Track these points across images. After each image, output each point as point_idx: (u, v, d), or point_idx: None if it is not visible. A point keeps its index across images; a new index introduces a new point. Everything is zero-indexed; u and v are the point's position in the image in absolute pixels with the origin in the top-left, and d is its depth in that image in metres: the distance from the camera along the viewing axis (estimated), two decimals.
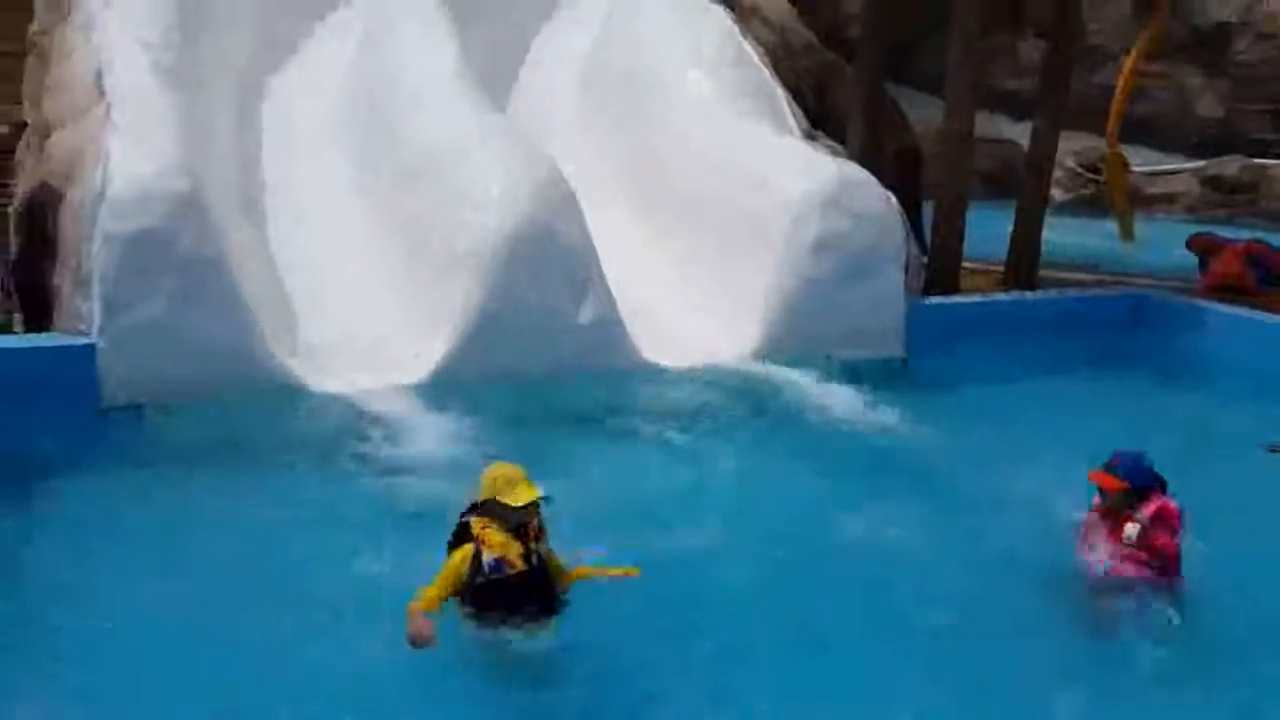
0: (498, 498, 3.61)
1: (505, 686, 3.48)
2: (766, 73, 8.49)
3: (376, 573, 4.06)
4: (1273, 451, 5.96)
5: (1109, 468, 4.04)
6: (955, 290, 8.14)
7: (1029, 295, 8.24)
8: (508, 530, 3.58)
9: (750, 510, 4.96)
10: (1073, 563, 4.16)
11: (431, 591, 3.55)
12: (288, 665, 3.57)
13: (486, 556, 3.53)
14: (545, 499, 3.64)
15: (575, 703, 3.46)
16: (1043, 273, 8.77)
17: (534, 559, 3.60)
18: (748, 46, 8.68)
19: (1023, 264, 8.68)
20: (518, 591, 3.55)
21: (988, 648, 3.81)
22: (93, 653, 3.65)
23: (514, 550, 3.55)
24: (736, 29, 8.80)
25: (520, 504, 3.58)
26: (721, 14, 8.94)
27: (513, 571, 3.54)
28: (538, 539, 3.62)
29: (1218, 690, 3.61)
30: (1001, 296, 8.21)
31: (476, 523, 3.61)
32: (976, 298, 8.05)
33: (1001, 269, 8.85)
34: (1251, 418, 6.37)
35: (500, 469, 3.70)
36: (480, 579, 3.52)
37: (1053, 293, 8.33)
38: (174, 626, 3.76)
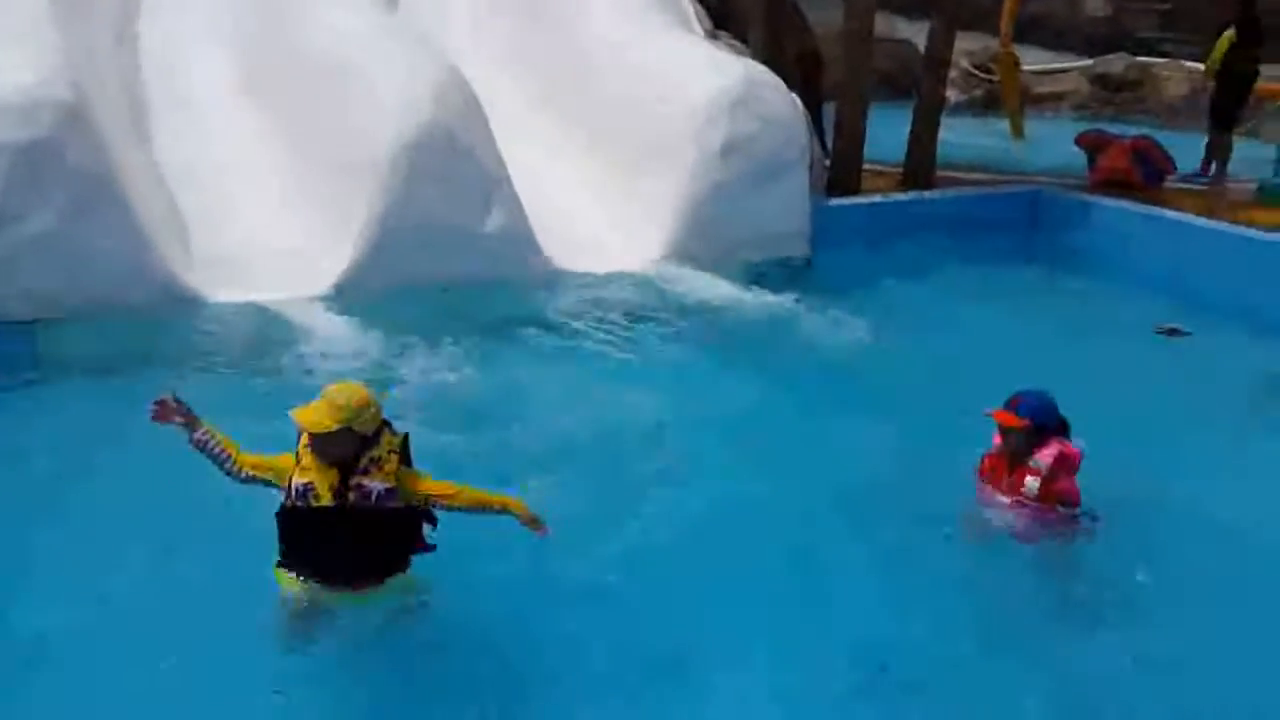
0: None
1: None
2: None
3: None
4: (1159, 333, 6.32)
5: (1010, 406, 3.81)
6: (856, 192, 8.27)
7: (928, 195, 8.41)
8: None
9: (651, 414, 5.00)
10: (972, 498, 4.04)
11: (251, 457, 3.20)
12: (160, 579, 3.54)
13: (296, 478, 3.10)
14: (387, 431, 3.13)
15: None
16: (940, 173, 8.95)
17: (350, 497, 3.09)
18: None
19: (921, 165, 8.84)
20: (322, 531, 3.10)
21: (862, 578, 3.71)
22: None
23: (326, 480, 3.08)
24: None
25: (303, 426, 3.08)
26: None
27: (316, 504, 3.08)
28: (366, 475, 3.08)
29: (1107, 629, 3.52)
30: (902, 197, 8.37)
31: (302, 441, 3.15)
32: (877, 198, 8.19)
33: (900, 171, 8.99)
34: (1140, 305, 6.73)
35: (332, 389, 3.14)
36: (286, 502, 3.12)
37: (950, 192, 8.52)
38: (61, 537, 3.74)
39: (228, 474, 3.20)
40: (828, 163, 8.23)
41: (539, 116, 7.73)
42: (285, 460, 3.17)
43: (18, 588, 3.55)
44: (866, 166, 8.55)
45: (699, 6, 8.43)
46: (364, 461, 3.11)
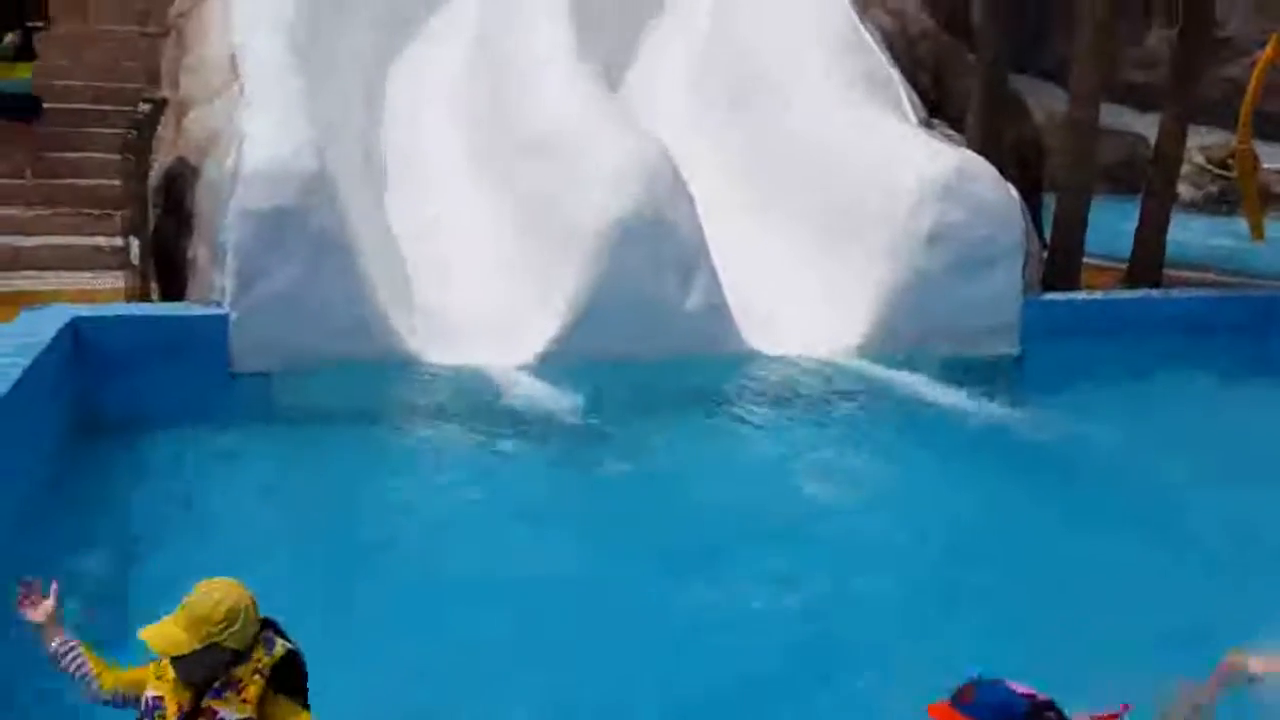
0: None
1: None
2: (884, 59, 8.38)
3: (472, 540, 4.17)
4: None
5: (957, 700, 2.38)
6: (1076, 287, 7.92)
7: (1154, 294, 7.95)
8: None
9: (843, 504, 4.87)
10: None
11: (114, 674, 2.56)
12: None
13: (150, 689, 2.46)
14: (261, 646, 2.36)
15: None
16: (1168, 271, 8.47)
17: None
18: (865, 33, 8.57)
19: (1147, 262, 8.40)
20: None
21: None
22: None
23: (176, 700, 2.41)
24: (854, 14, 8.70)
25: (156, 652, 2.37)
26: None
27: None
28: (221, 699, 2.34)
29: None
30: (1123, 294, 7.95)
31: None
32: (1097, 295, 7.80)
33: (1124, 267, 8.58)
34: None
35: (196, 593, 2.37)
36: (137, 716, 2.46)
37: (1177, 292, 8.03)
38: (296, 573, 3.93)
39: (88, 693, 2.59)
40: (1045, 255, 7.93)
41: (743, 194, 7.83)
42: (147, 672, 2.52)
43: None
44: (1088, 262, 8.20)
45: (913, 93, 8.37)
46: (220, 682, 2.38)
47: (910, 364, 6.48)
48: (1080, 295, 7.74)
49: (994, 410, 6.00)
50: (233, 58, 6.89)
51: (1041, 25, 15.01)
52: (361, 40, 8.14)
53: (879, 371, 6.46)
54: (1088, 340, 6.90)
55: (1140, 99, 15.40)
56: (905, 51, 9.28)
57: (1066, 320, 7.09)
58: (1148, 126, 15.23)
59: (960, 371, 6.51)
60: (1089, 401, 6.18)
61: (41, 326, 5.22)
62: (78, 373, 5.37)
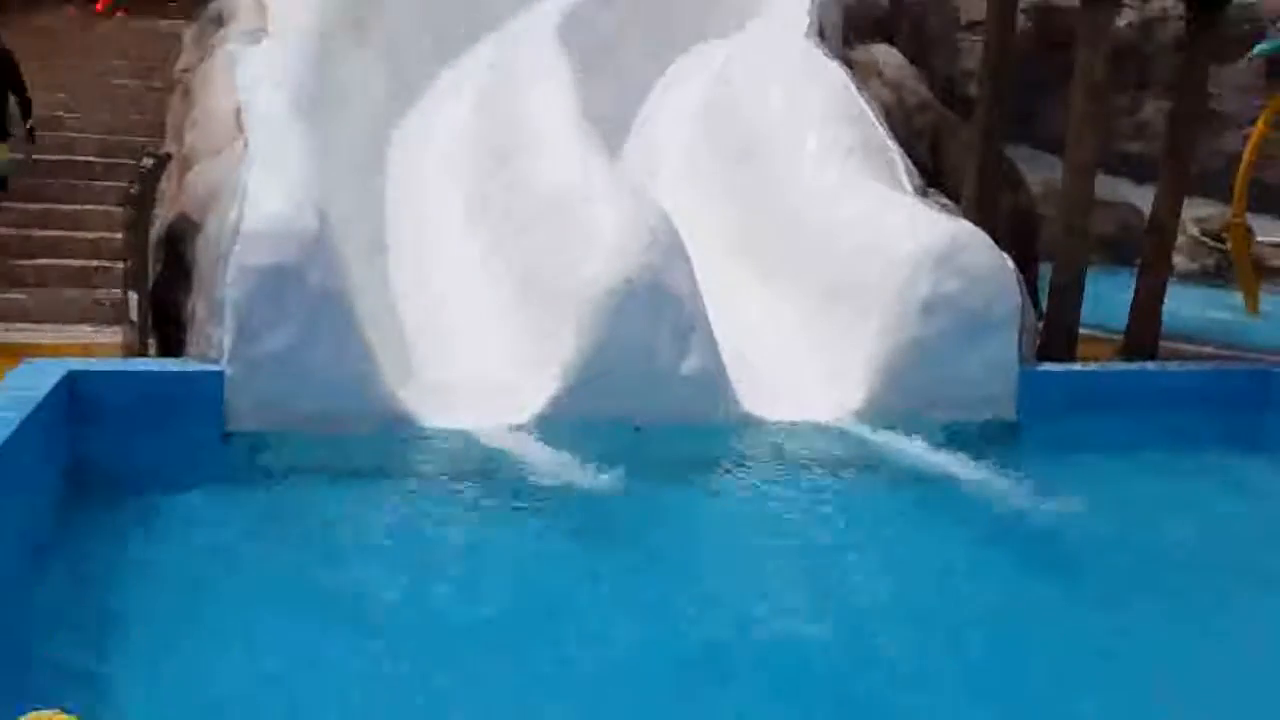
0: None
1: None
2: (881, 129, 8.49)
3: (472, 603, 4.12)
4: None
5: None
6: (1072, 358, 7.94)
7: (1150, 367, 7.97)
8: None
9: (850, 579, 4.84)
10: None
11: None
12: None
13: None
14: None
15: None
16: (1164, 344, 8.50)
17: None
18: (863, 103, 8.70)
19: (1144, 334, 8.42)
20: None
21: None
22: (209, 675, 3.78)
23: None
24: (853, 85, 8.83)
25: None
26: (837, 70, 9.00)
27: None
28: None
29: None
30: (1119, 366, 7.97)
31: None
32: (1093, 366, 7.82)
33: (1118, 338, 8.61)
34: None
35: None
36: None
37: (1174, 365, 8.05)
38: (277, 641, 3.88)
39: None
40: (1041, 325, 7.96)
41: (739, 259, 7.89)
42: None
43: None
44: (1084, 333, 8.22)
45: (910, 163, 8.47)
46: None
47: (909, 430, 6.46)
48: (1077, 366, 7.76)
49: (994, 480, 5.96)
50: (238, 113, 6.97)
51: (1037, 96, 15.22)
52: (366, 99, 8.25)
53: (878, 438, 6.44)
54: (1085, 412, 6.89)
55: (1135, 170, 15.59)
56: (903, 122, 9.42)
57: (1064, 391, 7.09)
58: (1143, 197, 15.38)
59: (959, 439, 6.48)
60: (1088, 475, 6.15)
61: (37, 380, 5.21)
62: (72, 427, 5.35)
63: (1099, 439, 6.60)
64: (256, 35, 7.90)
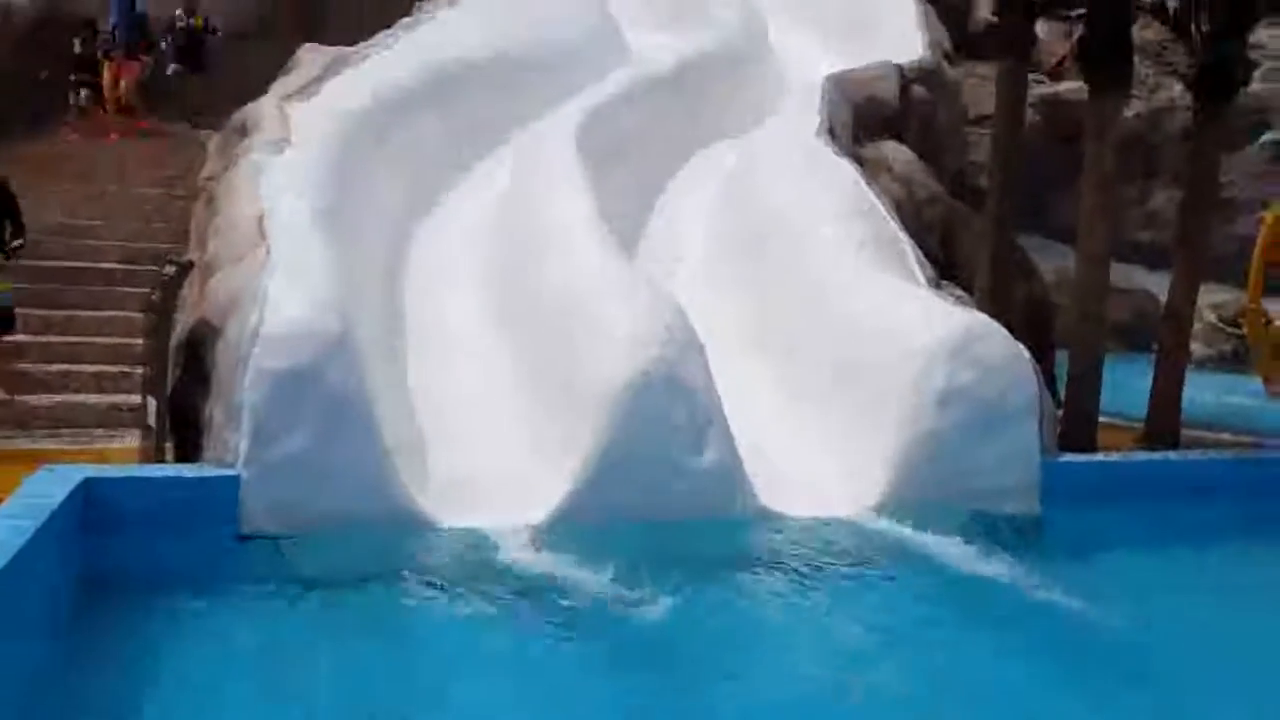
0: None
1: None
2: (893, 224, 8.58)
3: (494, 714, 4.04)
4: None
5: None
6: (1093, 447, 7.87)
7: (1172, 456, 7.88)
8: None
9: (874, 677, 4.74)
10: None
11: None
12: None
13: None
14: None
15: None
16: (1184, 431, 8.43)
17: None
18: (874, 198, 8.81)
19: (1164, 422, 8.36)
20: None
21: None
22: None
23: None
24: (862, 181, 8.96)
25: None
26: (848, 166, 9.14)
27: None
28: None
29: None
30: (1143, 456, 7.88)
31: None
32: (1116, 456, 7.73)
33: (1137, 425, 8.55)
34: None
35: None
36: None
37: (1196, 454, 7.95)
38: None
39: None
40: (1060, 413, 7.91)
41: (755, 352, 7.90)
42: None
43: None
44: (1103, 420, 8.17)
45: (922, 256, 8.54)
46: None
47: (931, 525, 6.36)
48: (1099, 456, 7.67)
49: (1021, 577, 5.83)
50: (260, 221, 7.09)
51: (1047, 188, 15.42)
52: (388, 202, 8.42)
53: (900, 533, 6.35)
54: (1109, 502, 6.79)
55: (1148, 257, 15.68)
56: (913, 216, 9.52)
57: (1087, 482, 6.99)
58: (1156, 284, 15.47)
59: (981, 533, 6.39)
60: (1117, 568, 6.05)
61: (53, 488, 5.21)
62: (88, 534, 5.33)
63: (1127, 530, 6.49)
64: (280, 145, 8.09)
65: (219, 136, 9.37)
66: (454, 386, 7.29)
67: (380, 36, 10.59)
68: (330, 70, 9.67)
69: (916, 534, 6.34)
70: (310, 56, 10.41)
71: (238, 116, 9.06)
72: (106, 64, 13.73)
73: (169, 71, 14.44)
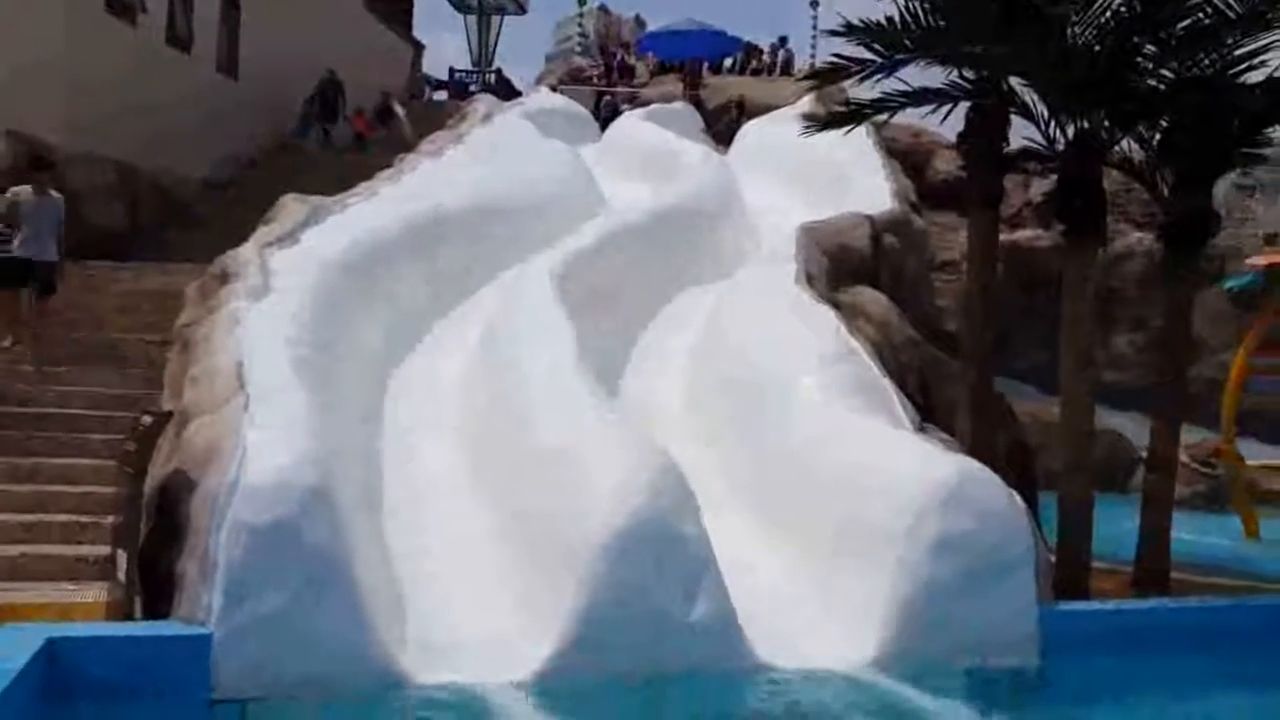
0: None
1: None
2: (875, 369, 8.61)
3: None
4: None
5: None
6: (1086, 595, 7.74)
7: (1169, 602, 7.76)
8: None
9: None
10: None
11: None
12: None
13: None
14: None
15: None
16: (1173, 575, 8.34)
17: None
18: (855, 343, 8.86)
19: (1154, 567, 8.28)
20: None
21: None
22: None
23: None
24: (843, 327, 9.03)
25: None
26: (827, 312, 9.23)
27: None
28: None
29: None
30: (1143, 604, 7.74)
31: None
32: (1117, 604, 7.58)
33: (1123, 567, 8.46)
34: None
35: None
36: None
37: (1195, 600, 7.83)
38: None
39: None
40: (1052, 558, 7.80)
41: (745, 500, 7.77)
42: None
43: None
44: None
45: (904, 398, 8.55)
46: None
47: (928, 679, 6.14)
48: (1096, 604, 7.54)
49: None
50: (239, 369, 6.98)
51: (1010, 328, 15.67)
52: (367, 351, 8.35)
53: (898, 688, 6.11)
54: (1109, 651, 6.61)
55: (1113, 398, 15.86)
56: (892, 359, 9.58)
57: (1086, 631, 6.82)
58: (1120, 424, 15.65)
59: (981, 687, 6.19)
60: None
61: (14, 649, 4.97)
62: (52, 698, 5.03)
63: (1129, 679, 6.32)
64: (259, 293, 8.05)
65: (198, 284, 9.32)
66: (434, 537, 7.08)
67: (361, 186, 10.74)
68: (311, 219, 9.74)
69: (914, 690, 6.11)
70: (292, 205, 10.50)
71: (218, 263, 9.04)
72: None
73: None
